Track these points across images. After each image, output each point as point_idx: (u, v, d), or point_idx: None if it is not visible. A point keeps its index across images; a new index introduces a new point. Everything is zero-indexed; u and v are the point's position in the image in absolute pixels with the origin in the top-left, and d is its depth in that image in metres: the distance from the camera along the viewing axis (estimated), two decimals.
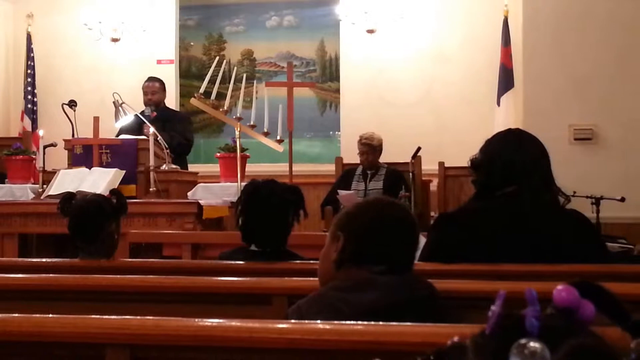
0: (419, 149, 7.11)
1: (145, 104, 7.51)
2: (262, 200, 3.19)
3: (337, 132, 9.34)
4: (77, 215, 3.43)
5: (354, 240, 2.22)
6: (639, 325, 0.74)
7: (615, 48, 6.97)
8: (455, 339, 0.80)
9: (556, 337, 0.73)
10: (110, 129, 7.28)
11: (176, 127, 7.37)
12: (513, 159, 2.92)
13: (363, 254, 2.20)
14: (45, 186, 6.50)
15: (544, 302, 0.80)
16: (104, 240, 3.43)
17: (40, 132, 7.07)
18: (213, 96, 6.90)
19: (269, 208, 3.17)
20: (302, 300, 2.21)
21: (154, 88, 7.52)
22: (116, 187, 6.12)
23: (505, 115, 8.19)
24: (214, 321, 1.80)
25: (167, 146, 6.69)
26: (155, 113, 7.39)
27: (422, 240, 3.33)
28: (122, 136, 7.01)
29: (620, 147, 6.90)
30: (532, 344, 0.72)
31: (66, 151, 6.95)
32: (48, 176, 6.60)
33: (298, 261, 3.20)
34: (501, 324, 0.76)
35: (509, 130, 3.25)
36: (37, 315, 1.91)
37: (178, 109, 9.03)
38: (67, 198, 3.55)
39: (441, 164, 7.95)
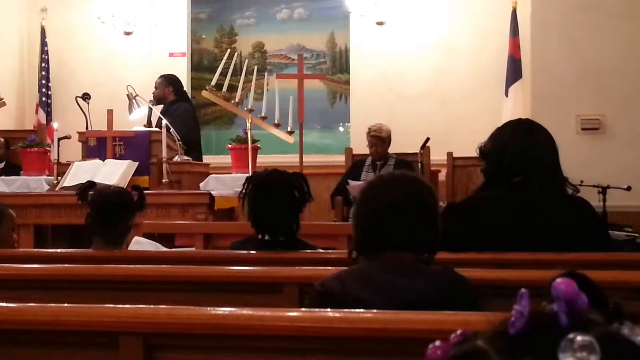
0: (427, 139, 7.12)
1: None
2: (268, 188, 3.21)
3: (347, 124, 9.34)
4: (101, 205, 3.54)
5: (361, 228, 2.20)
6: (614, 312, 0.74)
7: (623, 38, 6.96)
8: (465, 346, 0.75)
9: (588, 328, 0.70)
10: (123, 122, 7.28)
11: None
12: (522, 149, 2.94)
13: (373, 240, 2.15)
14: (59, 178, 6.54)
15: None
16: (121, 231, 3.54)
17: (55, 125, 7.10)
18: (224, 88, 6.94)
19: (275, 195, 3.19)
20: (341, 271, 2.15)
21: (155, 84, 7.48)
22: (129, 178, 6.20)
23: (514, 106, 8.16)
24: (226, 309, 1.83)
25: (179, 138, 6.73)
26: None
27: None
28: (135, 128, 7.05)
29: (627, 137, 6.90)
30: (580, 337, 0.68)
31: (80, 143, 6.99)
32: (62, 168, 6.64)
33: (309, 250, 3.22)
34: (530, 324, 0.72)
35: (520, 120, 3.26)
36: (52, 304, 1.94)
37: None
38: (86, 186, 3.66)
39: (449, 154, 7.95)
